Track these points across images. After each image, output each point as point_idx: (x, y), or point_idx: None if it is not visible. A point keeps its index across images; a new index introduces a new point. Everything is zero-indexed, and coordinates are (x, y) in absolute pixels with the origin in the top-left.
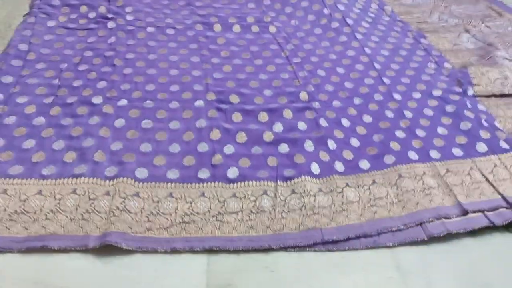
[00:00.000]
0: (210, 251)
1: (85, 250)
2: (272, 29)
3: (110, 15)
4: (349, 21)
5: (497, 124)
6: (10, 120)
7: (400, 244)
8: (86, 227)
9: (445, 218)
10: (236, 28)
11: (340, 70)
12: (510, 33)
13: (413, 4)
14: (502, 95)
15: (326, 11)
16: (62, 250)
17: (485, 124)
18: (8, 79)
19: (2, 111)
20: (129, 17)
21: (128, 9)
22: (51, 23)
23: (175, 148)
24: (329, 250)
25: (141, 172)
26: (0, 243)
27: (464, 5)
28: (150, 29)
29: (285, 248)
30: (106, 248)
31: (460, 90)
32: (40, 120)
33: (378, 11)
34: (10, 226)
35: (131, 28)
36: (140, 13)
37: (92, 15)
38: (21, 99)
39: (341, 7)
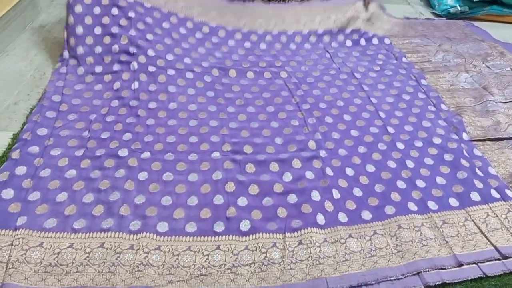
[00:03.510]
0: None
1: None
2: (284, 74)
3: (131, 49)
4: (357, 75)
5: (491, 170)
6: (46, 172)
7: None
8: (112, 280)
9: (441, 268)
10: (250, 75)
11: (347, 117)
12: (508, 73)
13: (422, 43)
14: (496, 139)
15: (334, 65)
16: None
17: (479, 173)
18: (43, 131)
19: (38, 163)
20: (150, 52)
21: (149, 36)
22: (80, 70)
23: (193, 201)
24: None
25: (162, 226)
26: None
27: (469, 44)
28: (170, 71)
29: None
30: None
31: (456, 137)
32: (72, 172)
33: (387, 55)
34: (45, 278)
35: (152, 69)
36: (160, 45)
37: (115, 48)
38: (54, 152)
39: (350, 65)
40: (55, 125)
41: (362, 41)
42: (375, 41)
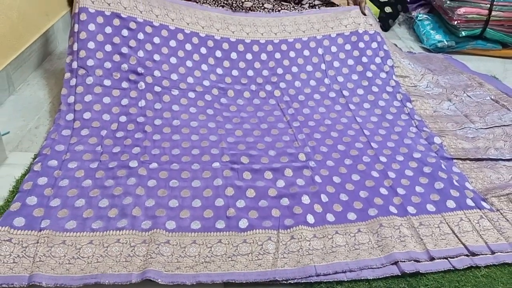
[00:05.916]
0: (227, 283)
1: (129, 284)
2: (277, 92)
3: (140, 69)
4: (345, 93)
5: (467, 184)
6: (64, 182)
7: (378, 278)
8: (129, 267)
9: (415, 261)
10: (246, 94)
11: (334, 134)
12: (489, 102)
13: (411, 68)
14: (477, 159)
15: (326, 80)
16: (111, 285)
17: (456, 184)
18: (61, 147)
19: (57, 175)
20: (156, 73)
21: (156, 57)
22: (89, 80)
23: (196, 203)
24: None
25: (170, 224)
26: (61, 281)
27: (449, 75)
28: (174, 91)
29: (286, 280)
30: (145, 282)
31: (436, 155)
32: (88, 182)
33: (379, 67)
34: (69, 268)
35: (158, 90)
36: (166, 64)
37: (124, 67)
38: (71, 165)
39: (340, 79)
40: (70, 141)
41: (361, 44)
42: (374, 45)
